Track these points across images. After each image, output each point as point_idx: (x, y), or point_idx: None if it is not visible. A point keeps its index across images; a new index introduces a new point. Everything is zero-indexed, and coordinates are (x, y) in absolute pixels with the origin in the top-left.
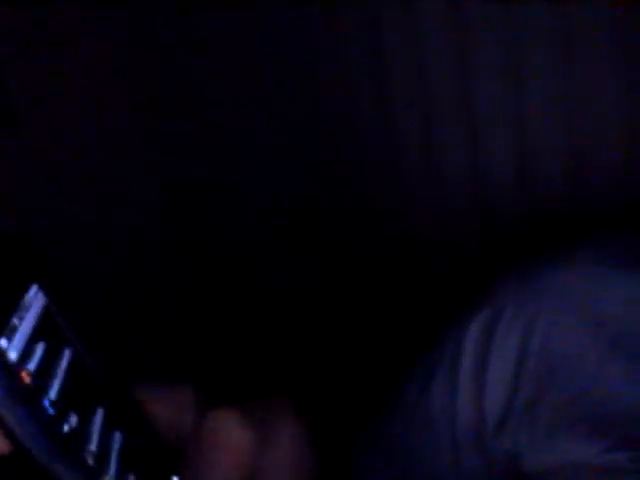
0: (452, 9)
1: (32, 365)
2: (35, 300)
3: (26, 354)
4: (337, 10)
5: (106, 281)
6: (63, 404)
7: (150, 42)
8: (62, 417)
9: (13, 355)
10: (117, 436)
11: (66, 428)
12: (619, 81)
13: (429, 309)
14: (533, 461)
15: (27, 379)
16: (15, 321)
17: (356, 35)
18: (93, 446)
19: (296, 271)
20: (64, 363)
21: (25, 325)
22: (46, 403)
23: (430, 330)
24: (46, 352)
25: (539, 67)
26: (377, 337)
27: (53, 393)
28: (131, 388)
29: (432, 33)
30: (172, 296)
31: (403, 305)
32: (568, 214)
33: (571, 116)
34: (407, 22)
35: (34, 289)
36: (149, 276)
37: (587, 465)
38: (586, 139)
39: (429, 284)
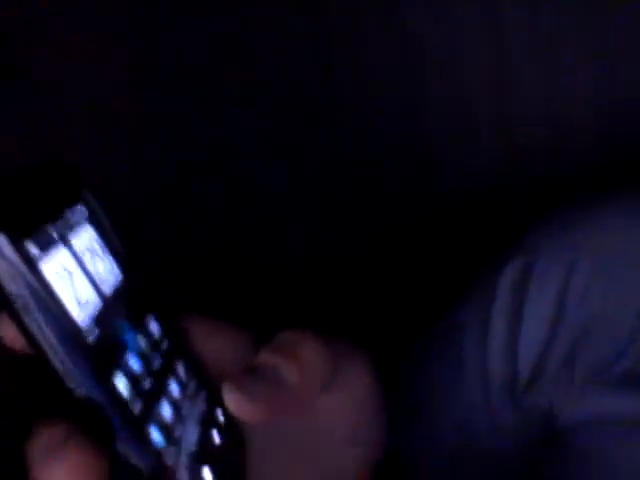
0: None
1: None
2: (79, 219)
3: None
4: None
5: None
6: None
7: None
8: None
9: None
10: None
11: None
12: None
13: (462, 251)
14: (568, 417)
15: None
16: (52, 231)
17: None
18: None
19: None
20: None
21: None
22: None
23: (462, 276)
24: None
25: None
26: (408, 280)
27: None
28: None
29: None
30: None
31: (436, 249)
32: (603, 160)
33: (605, 66)
34: None
35: (80, 209)
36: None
37: (627, 420)
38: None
39: (460, 228)
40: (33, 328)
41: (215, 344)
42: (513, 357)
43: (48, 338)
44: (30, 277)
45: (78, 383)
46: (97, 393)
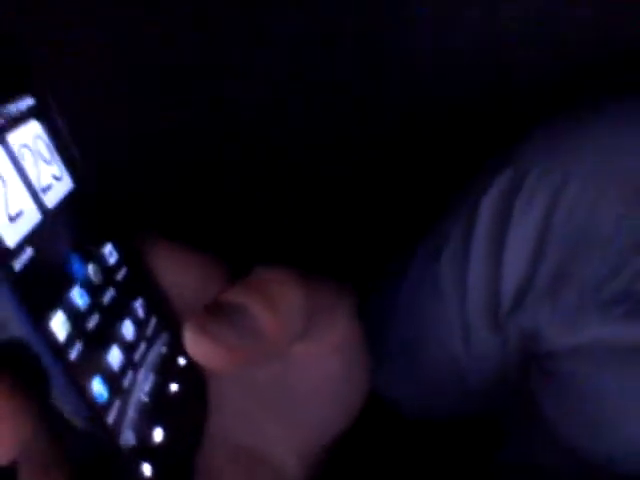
0: None
1: None
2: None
3: None
4: None
5: None
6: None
7: None
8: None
9: None
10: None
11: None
12: None
13: (445, 171)
14: (556, 340)
15: None
16: None
17: None
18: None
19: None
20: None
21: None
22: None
23: (446, 193)
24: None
25: None
26: (390, 201)
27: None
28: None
29: None
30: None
31: (416, 168)
32: (598, 64)
33: None
34: None
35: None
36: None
37: (624, 345)
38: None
39: (443, 144)
40: None
41: (183, 276)
42: (496, 276)
43: None
44: None
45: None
46: (24, 332)
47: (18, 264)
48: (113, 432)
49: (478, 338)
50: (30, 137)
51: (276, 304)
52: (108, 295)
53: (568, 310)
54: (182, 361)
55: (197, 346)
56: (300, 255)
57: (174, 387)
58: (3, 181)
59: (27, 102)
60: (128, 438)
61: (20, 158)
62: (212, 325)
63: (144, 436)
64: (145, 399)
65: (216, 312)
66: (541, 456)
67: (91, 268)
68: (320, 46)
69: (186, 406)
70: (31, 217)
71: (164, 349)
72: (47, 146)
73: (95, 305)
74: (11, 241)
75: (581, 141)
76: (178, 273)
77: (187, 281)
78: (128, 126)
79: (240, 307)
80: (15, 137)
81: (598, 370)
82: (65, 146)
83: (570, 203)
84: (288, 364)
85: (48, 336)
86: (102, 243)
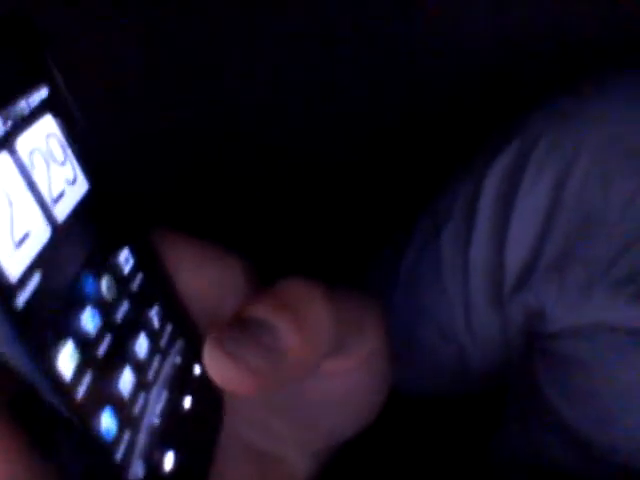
0: None
1: None
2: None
3: None
4: None
5: None
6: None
7: None
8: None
9: None
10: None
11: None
12: None
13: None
14: (560, 321)
15: None
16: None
17: None
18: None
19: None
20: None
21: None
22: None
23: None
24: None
25: None
26: (390, 199)
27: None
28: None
29: None
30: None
31: (417, 167)
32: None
33: None
34: None
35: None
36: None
37: (628, 329)
38: None
39: (444, 146)
40: None
41: (203, 275)
42: (500, 253)
43: None
44: None
45: (6, 353)
46: (26, 371)
47: (22, 298)
48: (121, 469)
49: (480, 318)
50: (42, 137)
51: (304, 322)
52: (121, 310)
53: (575, 289)
54: (197, 370)
55: (218, 368)
56: (301, 253)
57: (188, 401)
58: (9, 201)
59: (40, 93)
60: (137, 471)
61: (30, 167)
62: (235, 345)
63: (154, 464)
64: (156, 421)
65: (239, 329)
66: (541, 441)
67: (104, 283)
68: (320, 46)
69: (200, 421)
70: (39, 236)
71: (178, 359)
72: (61, 144)
73: (107, 325)
74: (15, 272)
75: (593, 112)
76: (197, 270)
77: (206, 278)
78: (128, 127)
79: (265, 324)
80: (25, 141)
81: (599, 352)
82: (81, 140)
83: (581, 177)
84: (310, 377)
85: (54, 376)
86: (117, 249)
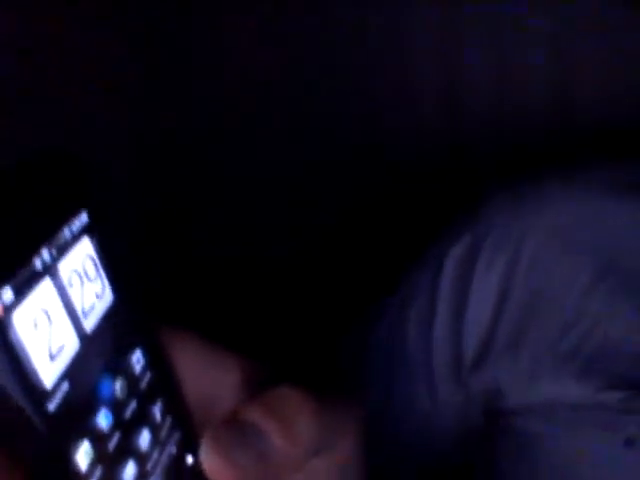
0: None
1: None
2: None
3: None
4: None
5: None
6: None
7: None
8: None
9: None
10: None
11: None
12: None
13: (406, 233)
14: (515, 398)
15: None
16: (38, 261)
17: None
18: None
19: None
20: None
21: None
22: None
23: (408, 254)
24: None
25: None
26: (354, 263)
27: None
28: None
29: None
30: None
31: (379, 231)
32: (551, 145)
33: (557, 49)
34: None
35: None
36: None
37: (575, 404)
38: (572, 71)
39: (406, 207)
40: None
41: (204, 375)
42: (458, 336)
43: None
44: None
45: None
46: (49, 468)
47: (53, 404)
48: None
49: (443, 396)
50: (80, 259)
51: (291, 427)
52: (130, 409)
53: (525, 368)
54: (190, 460)
55: (212, 466)
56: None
57: None
58: (49, 318)
59: (81, 219)
60: None
61: (68, 287)
62: (228, 446)
63: None
64: None
65: (234, 430)
66: None
67: (118, 384)
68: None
69: None
70: (70, 349)
71: (174, 449)
72: (94, 262)
73: (117, 423)
74: (49, 381)
75: (531, 209)
76: (199, 369)
77: (207, 377)
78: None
79: (256, 427)
80: (65, 264)
81: (550, 428)
82: (111, 259)
83: (528, 264)
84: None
85: (72, 472)
86: (131, 351)
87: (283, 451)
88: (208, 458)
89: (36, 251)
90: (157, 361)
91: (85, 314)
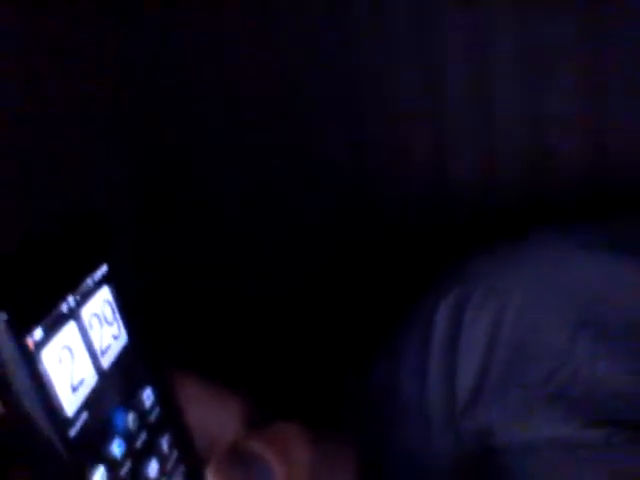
0: None
1: None
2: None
3: None
4: None
5: None
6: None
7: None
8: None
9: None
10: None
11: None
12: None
13: (397, 288)
14: (505, 438)
15: None
16: (64, 306)
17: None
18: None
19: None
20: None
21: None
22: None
23: (400, 305)
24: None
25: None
26: (347, 313)
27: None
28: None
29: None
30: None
31: (371, 284)
32: (527, 211)
33: (537, 116)
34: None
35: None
36: None
37: (562, 442)
38: (551, 139)
39: (397, 263)
40: (19, 408)
41: (208, 413)
42: (451, 382)
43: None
44: (24, 369)
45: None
46: None
47: (73, 431)
48: None
49: (437, 438)
50: (99, 304)
51: (288, 454)
52: (141, 438)
53: (514, 409)
54: None
55: None
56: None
57: None
58: (72, 355)
59: (102, 270)
60: None
61: (88, 329)
62: (230, 472)
63: None
64: None
65: (235, 458)
66: None
67: (130, 417)
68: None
69: None
70: (90, 382)
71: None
72: (112, 307)
73: (129, 452)
74: (70, 410)
75: (520, 262)
76: (204, 408)
77: (211, 415)
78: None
79: (256, 455)
80: (87, 309)
81: (539, 468)
82: (127, 304)
83: (514, 316)
84: None
85: None
86: (143, 388)
87: (281, 477)
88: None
89: (63, 298)
90: (165, 398)
91: (103, 352)
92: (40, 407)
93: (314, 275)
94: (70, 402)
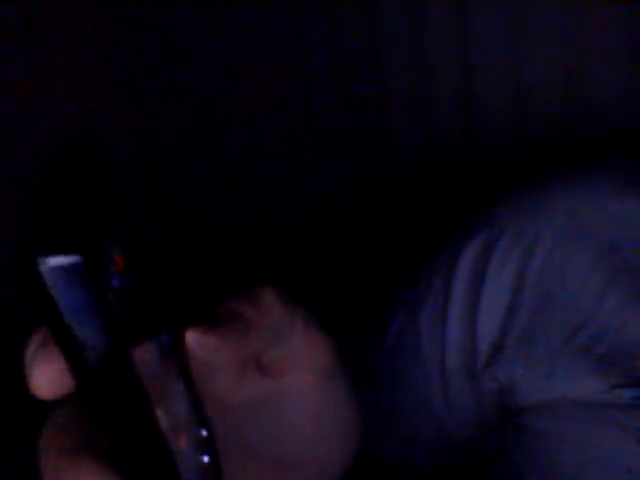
0: None
1: None
2: None
3: None
4: None
5: None
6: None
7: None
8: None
9: None
10: None
11: None
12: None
13: (423, 228)
14: (528, 395)
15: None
16: None
17: None
18: None
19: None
20: None
21: None
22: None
23: (421, 250)
24: None
25: None
26: (369, 255)
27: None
28: None
29: None
30: None
31: (395, 225)
32: (564, 138)
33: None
34: None
35: None
36: None
37: (587, 401)
38: (586, 61)
39: (421, 204)
40: None
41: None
42: (472, 335)
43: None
44: None
45: None
46: None
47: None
48: None
49: (456, 394)
50: None
51: (260, 300)
52: None
53: (540, 364)
54: (205, 459)
55: (196, 337)
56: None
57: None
58: None
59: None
60: None
61: None
62: (211, 325)
63: None
64: None
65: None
66: None
67: None
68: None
69: None
70: None
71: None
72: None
73: None
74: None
75: (551, 204)
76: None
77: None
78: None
79: (233, 310)
80: None
81: (562, 426)
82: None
83: (541, 263)
84: (272, 399)
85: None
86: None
87: (256, 323)
88: (194, 334)
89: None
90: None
91: None
92: None
93: (337, 217)
94: None
